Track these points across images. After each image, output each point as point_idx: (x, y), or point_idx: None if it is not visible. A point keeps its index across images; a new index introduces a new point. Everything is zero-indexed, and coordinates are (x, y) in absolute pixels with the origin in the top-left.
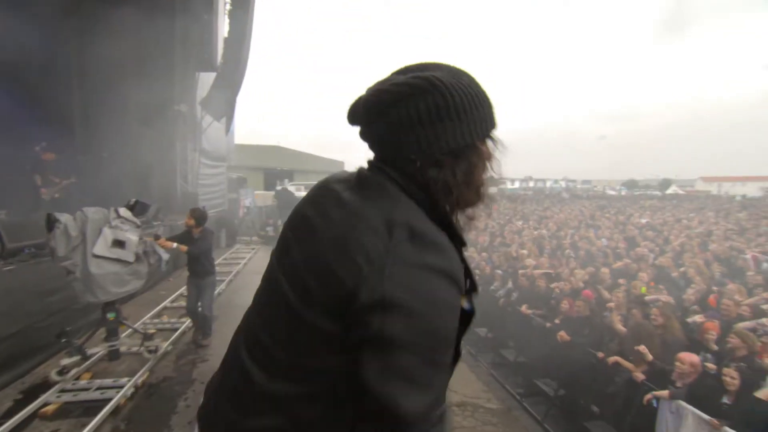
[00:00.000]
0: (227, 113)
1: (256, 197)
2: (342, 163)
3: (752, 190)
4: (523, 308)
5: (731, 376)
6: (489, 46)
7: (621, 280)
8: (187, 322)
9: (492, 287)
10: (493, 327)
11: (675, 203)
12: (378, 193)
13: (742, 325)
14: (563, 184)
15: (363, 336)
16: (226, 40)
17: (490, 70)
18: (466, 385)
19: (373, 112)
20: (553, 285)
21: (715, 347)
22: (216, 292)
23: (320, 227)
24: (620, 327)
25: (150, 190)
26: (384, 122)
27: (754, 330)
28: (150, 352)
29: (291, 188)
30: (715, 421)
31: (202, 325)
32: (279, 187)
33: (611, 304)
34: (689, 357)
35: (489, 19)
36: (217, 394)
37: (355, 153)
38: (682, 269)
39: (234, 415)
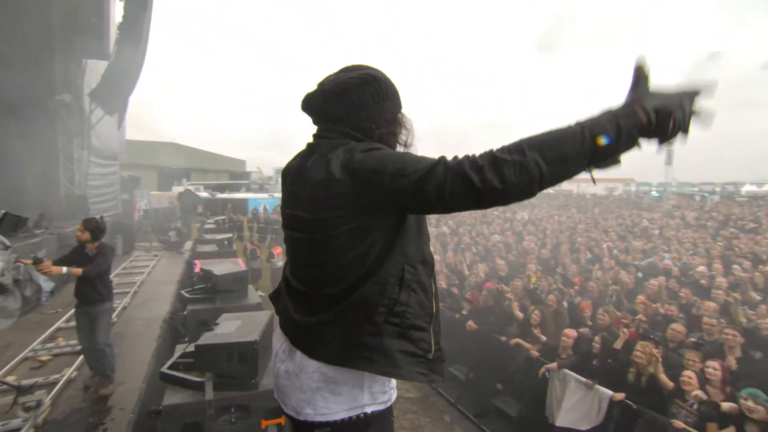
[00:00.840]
0: (120, 107)
1: (152, 198)
2: (244, 162)
3: (599, 190)
4: None
5: (596, 342)
6: (394, 50)
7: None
8: (73, 367)
9: None
10: None
11: (546, 201)
12: (334, 139)
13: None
14: None
15: (371, 184)
16: (119, 25)
17: (399, 71)
18: None
19: (333, 98)
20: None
21: (590, 322)
22: (114, 316)
23: (305, 177)
24: (518, 313)
25: (25, 196)
26: (343, 104)
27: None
28: (27, 410)
29: (191, 188)
30: (590, 382)
31: (101, 366)
32: (181, 188)
33: (509, 295)
34: (570, 332)
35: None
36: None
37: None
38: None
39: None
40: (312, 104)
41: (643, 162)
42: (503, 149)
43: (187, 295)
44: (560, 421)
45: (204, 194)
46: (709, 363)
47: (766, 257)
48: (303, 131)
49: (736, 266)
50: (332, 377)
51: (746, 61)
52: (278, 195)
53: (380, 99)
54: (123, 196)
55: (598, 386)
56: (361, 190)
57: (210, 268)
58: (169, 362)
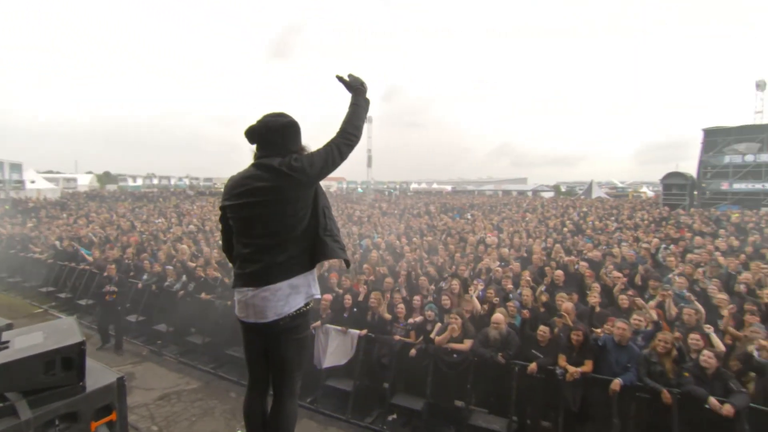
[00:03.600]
0: None
1: None
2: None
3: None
4: (203, 295)
5: (347, 299)
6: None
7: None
8: None
9: (167, 284)
10: (173, 321)
11: None
12: (272, 160)
13: None
14: (187, 181)
15: (301, 178)
16: None
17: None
18: (161, 379)
19: (270, 133)
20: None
21: (338, 288)
22: None
23: (257, 183)
24: None
25: None
26: (277, 137)
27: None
28: None
29: None
30: (344, 328)
31: None
32: None
33: None
34: (326, 296)
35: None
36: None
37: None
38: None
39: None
40: (257, 134)
41: (351, 166)
42: (344, 138)
43: None
44: (326, 363)
45: None
46: (416, 297)
47: (427, 233)
48: None
49: (415, 238)
50: (295, 285)
51: (415, 93)
52: None
53: (297, 133)
54: None
55: (350, 330)
56: (301, 183)
57: None
58: None
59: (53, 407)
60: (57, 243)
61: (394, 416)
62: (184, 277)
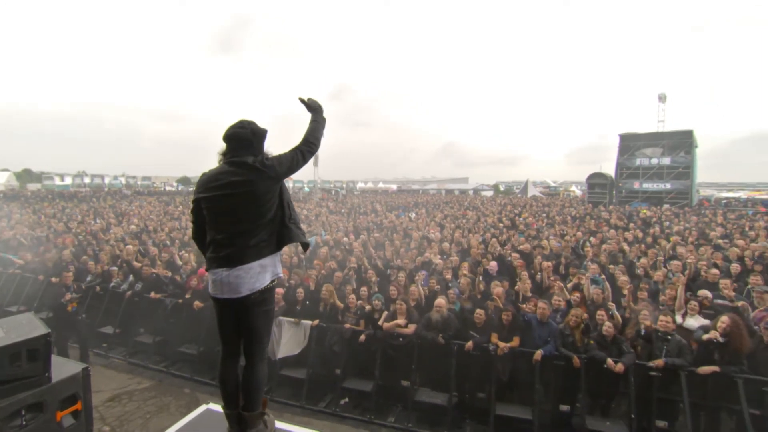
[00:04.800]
0: None
1: None
2: None
3: None
4: (152, 294)
5: (300, 292)
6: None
7: None
8: None
9: (112, 284)
10: (120, 322)
11: None
12: (246, 158)
13: None
14: (123, 180)
15: (271, 174)
16: None
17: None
18: (110, 381)
19: (242, 137)
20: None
21: (291, 281)
22: None
23: (230, 179)
24: None
25: None
26: (247, 141)
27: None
28: None
29: None
30: (296, 319)
31: None
32: None
33: None
34: (279, 290)
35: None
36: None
37: None
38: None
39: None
40: (232, 137)
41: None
42: (307, 145)
43: None
44: (280, 354)
45: None
46: (363, 288)
47: (374, 229)
48: None
49: (363, 235)
50: (264, 264)
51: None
52: None
53: (263, 138)
54: None
55: (302, 321)
56: (269, 177)
57: None
58: None
59: (20, 398)
60: None
61: (346, 400)
62: (131, 277)
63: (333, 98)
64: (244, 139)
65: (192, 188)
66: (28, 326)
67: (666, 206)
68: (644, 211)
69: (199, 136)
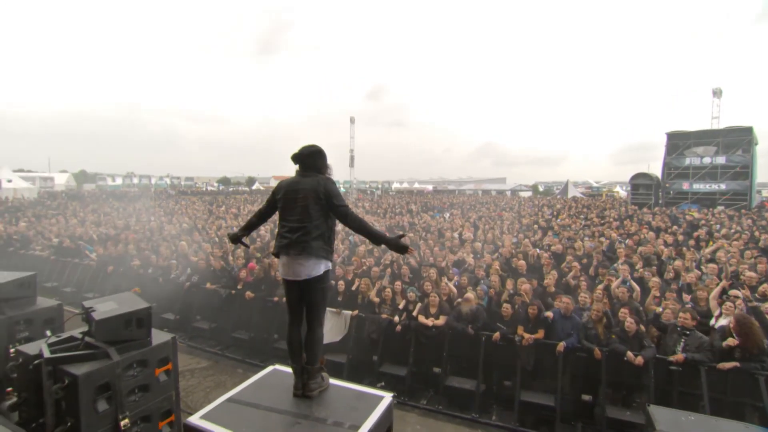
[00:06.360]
0: None
1: None
2: None
3: None
4: (208, 285)
5: (341, 286)
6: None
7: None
8: None
9: (172, 276)
10: (179, 310)
11: (260, 196)
12: (314, 175)
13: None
14: (168, 180)
15: (331, 201)
16: None
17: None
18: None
19: (309, 156)
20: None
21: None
22: None
23: (302, 186)
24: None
25: None
26: (313, 159)
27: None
28: None
29: None
30: (337, 309)
31: None
32: None
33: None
34: None
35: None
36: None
37: None
38: None
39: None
40: (299, 159)
41: (335, 167)
42: (357, 219)
43: None
44: (324, 340)
45: None
46: (397, 283)
47: (408, 228)
48: None
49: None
50: (319, 258)
51: (399, 92)
52: None
53: (325, 158)
54: None
55: (343, 311)
56: (326, 199)
57: None
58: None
59: (132, 354)
60: (56, 241)
61: (382, 384)
62: (188, 270)
63: (370, 98)
64: (308, 159)
65: (232, 189)
66: (132, 301)
67: (720, 208)
68: (693, 213)
69: (238, 137)
